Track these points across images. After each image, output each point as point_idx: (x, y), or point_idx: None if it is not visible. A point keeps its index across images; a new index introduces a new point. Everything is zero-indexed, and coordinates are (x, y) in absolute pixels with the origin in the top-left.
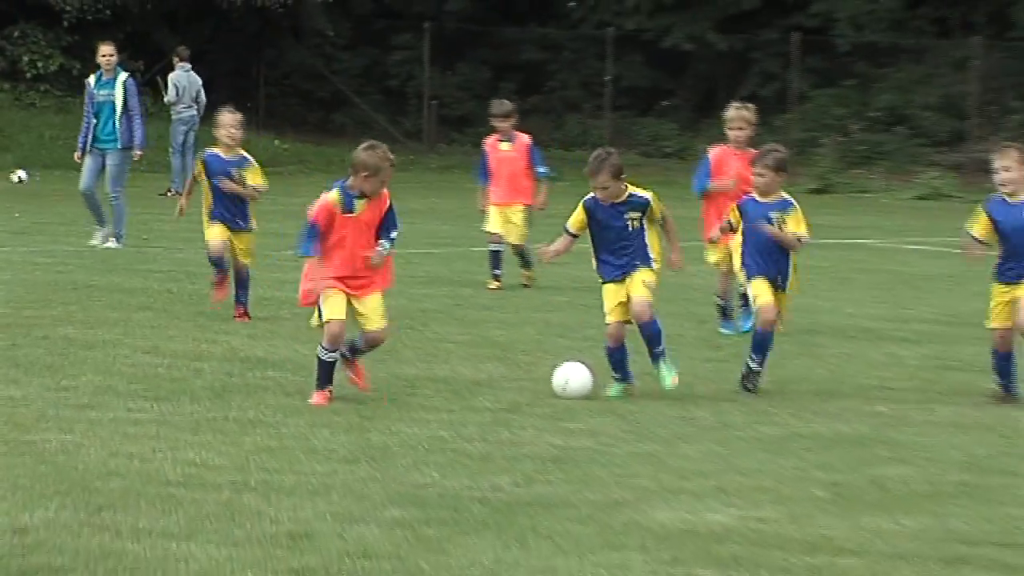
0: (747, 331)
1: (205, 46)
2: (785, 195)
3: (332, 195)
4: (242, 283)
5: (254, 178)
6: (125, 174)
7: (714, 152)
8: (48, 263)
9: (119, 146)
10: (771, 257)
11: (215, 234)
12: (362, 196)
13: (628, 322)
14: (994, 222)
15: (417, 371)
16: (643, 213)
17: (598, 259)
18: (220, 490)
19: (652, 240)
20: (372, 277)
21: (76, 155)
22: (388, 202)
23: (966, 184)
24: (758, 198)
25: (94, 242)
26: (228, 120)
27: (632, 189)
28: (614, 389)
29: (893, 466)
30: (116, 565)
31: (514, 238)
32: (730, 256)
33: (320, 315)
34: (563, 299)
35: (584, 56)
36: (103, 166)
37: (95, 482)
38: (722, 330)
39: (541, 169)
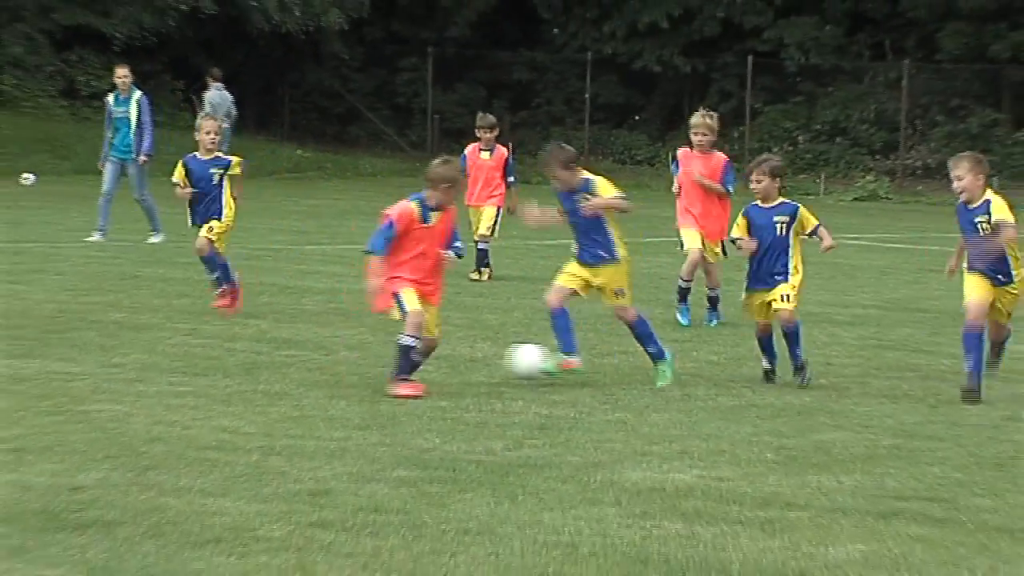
0: (714, 325)
1: (237, 68)
2: (786, 200)
3: (412, 206)
4: (208, 261)
5: (235, 169)
6: (146, 178)
7: (681, 152)
8: (100, 256)
9: (133, 157)
10: (769, 263)
11: (200, 234)
12: (437, 208)
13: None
14: (959, 224)
15: None
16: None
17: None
18: (250, 453)
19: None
20: (437, 285)
21: (99, 164)
22: (455, 213)
23: (898, 188)
24: (760, 204)
25: (153, 240)
26: (209, 126)
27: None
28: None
29: (834, 432)
30: (159, 519)
31: (482, 229)
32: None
33: (401, 308)
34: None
35: (566, 77)
36: (122, 173)
37: (141, 447)
38: (694, 320)
39: (510, 178)
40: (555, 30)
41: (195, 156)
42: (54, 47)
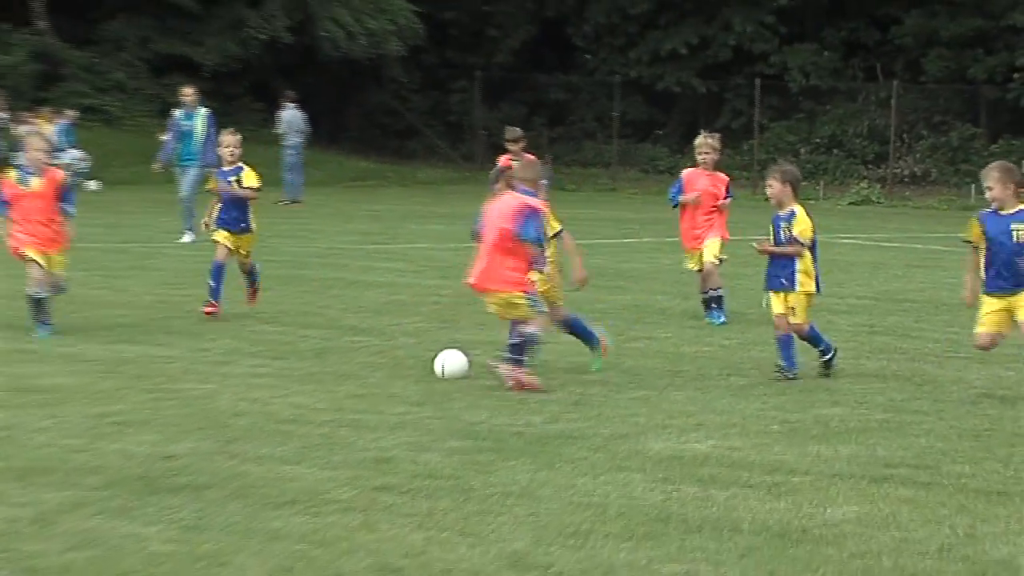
0: (721, 323)
1: (309, 90)
2: (794, 207)
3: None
4: (251, 274)
5: (248, 180)
6: (198, 185)
7: (686, 172)
8: (191, 254)
9: (198, 164)
10: (773, 267)
11: (219, 239)
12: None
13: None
14: (984, 231)
15: (471, 336)
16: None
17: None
18: (321, 426)
19: None
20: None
21: (154, 167)
22: None
23: (888, 193)
24: (777, 211)
25: (184, 239)
26: (229, 140)
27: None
28: None
29: (832, 407)
30: (243, 483)
31: None
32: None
33: (536, 306)
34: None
35: (597, 97)
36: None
37: (227, 420)
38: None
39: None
40: (588, 56)
41: (221, 169)
42: (152, 73)
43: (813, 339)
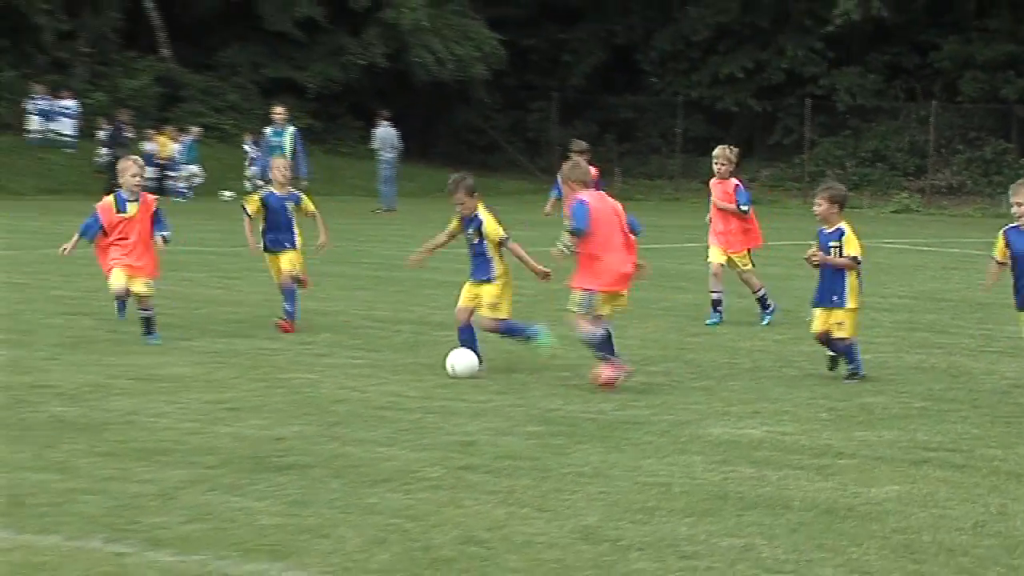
0: (766, 324)
1: (402, 110)
2: (841, 224)
3: None
4: (290, 294)
5: (307, 207)
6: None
7: (712, 182)
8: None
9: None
10: (825, 283)
11: (276, 267)
12: None
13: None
14: (1009, 247)
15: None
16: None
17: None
18: (412, 412)
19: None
20: None
21: (256, 182)
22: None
23: (926, 203)
24: (822, 228)
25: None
26: (280, 164)
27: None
28: None
29: (875, 396)
30: (343, 463)
31: None
32: (731, 262)
33: (590, 305)
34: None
35: (662, 115)
36: None
37: (329, 406)
38: (708, 322)
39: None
40: (654, 79)
41: (273, 192)
42: (262, 94)
43: (849, 354)
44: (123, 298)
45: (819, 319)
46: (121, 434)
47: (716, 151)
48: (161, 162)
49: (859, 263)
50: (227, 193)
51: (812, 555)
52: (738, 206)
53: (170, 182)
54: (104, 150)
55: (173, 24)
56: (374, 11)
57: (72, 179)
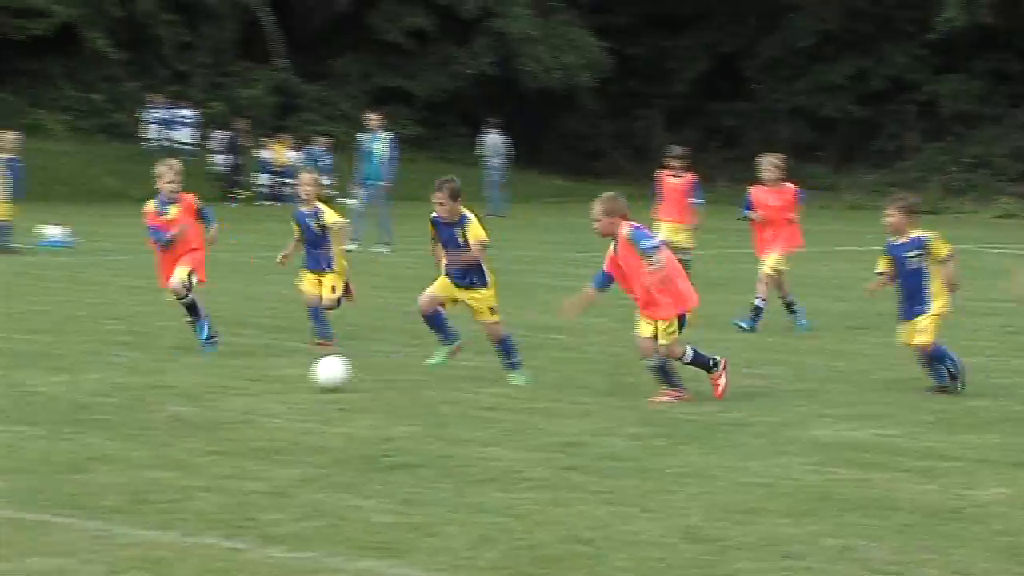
0: (805, 329)
1: (510, 117)
2: (918, 233)
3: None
4: (320, 317)
5: (330, 218)
6: (382, 200)
7: (754, 190)
8: (400, 260)
9: (382, 182)
10: (905, 295)
11: (307, 286)
12: None
13: None
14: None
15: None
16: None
17: None
18: (518, 413)
19: None
20: None
21: (354, 189)
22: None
23: None
24: (893, 240)
25: (378, 250)
26: (305, 179)
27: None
28: None
29: (978, 399)
30: (450, 463)
31: (682, 242)
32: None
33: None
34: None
35: (765, 122)
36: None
37: (437, 408)
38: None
39: (694, 200)
40: (757, 86)
41: (301, 210)
42: (372, 103)
43: (938, 355)
44: (182, 297)
45: (908, 332)
46: (237, 433)
47: (763, 160)
48: (277, 169)
49: (950, 258)
50: (350, 200)
51: (916, 556)
52: (799, 205)
53: (287, 189)
54: (220, 158)
55: (288, 35)
56: (483, 21)
57: (190, 186)
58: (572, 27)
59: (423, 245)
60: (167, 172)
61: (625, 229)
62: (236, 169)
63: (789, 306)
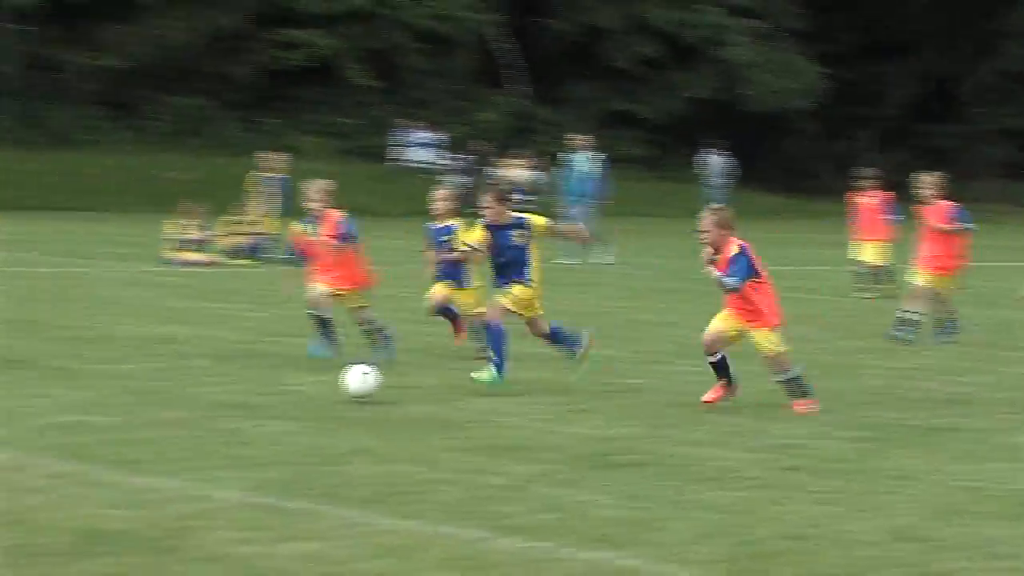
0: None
1: (730, 138)
2: None
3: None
4: (454, 314)
5: (464, 237)
6: (589, 217)
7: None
8: (617, 270)
9: (588, 200)
10: None
11: (436, 290)
12: None
13: None
14: None
15: (859, 344)
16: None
17: None
18: (736, 415)
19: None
20: None
21: (565, 205)
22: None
23: None
24: None
25: (595, 260)
26: (437, 195)
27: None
28: None
29: None
30: (672, 462)
31: (871, 259)
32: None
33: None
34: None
35: (976, 143)
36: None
37: (661, 409)
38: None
39: (890, 216)
40: (972, 109)
41: (431, 225)
42: (601, 126)
43: None
44: (320, 312)
45: None
46: (478, 431)
47: (924, 178)
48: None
49: None
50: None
51: None
52: (962, 225)
53: (525, 206)
54: (459, 178)
55: (523, 62)
56: (707, 48)
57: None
58: (791, 54)
59: (650, 256)
60: (311, 192)
61: (734, 248)
62: (474, 189)
63: (941, 321)
